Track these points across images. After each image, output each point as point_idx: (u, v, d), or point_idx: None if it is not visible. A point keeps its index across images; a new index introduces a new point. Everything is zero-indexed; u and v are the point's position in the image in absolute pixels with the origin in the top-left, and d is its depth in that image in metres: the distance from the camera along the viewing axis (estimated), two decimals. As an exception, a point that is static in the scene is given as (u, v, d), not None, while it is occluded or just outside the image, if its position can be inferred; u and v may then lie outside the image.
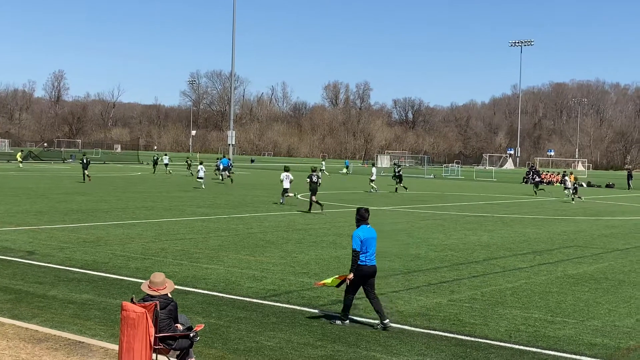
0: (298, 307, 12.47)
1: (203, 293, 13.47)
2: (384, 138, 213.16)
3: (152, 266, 16.07)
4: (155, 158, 73.50)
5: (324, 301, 13.05)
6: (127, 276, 14.90)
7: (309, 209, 31.19)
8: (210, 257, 17.69)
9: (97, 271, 15.38)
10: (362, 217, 11.61)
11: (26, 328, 10.54)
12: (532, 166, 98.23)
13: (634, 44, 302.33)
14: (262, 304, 12.68)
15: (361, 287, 11.60)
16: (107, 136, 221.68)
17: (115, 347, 9.13)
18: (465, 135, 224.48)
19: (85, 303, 12.33)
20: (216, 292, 13.62)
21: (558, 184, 68.89)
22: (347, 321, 11.50)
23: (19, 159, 76.37)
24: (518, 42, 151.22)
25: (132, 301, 8.27)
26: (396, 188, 49.80)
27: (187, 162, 68.93)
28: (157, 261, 16.93)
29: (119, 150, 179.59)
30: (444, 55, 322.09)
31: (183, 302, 12.04)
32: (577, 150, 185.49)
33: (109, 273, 15.21)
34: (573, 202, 44.84)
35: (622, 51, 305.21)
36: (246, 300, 12.92)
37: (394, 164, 50.79)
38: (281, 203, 34.57)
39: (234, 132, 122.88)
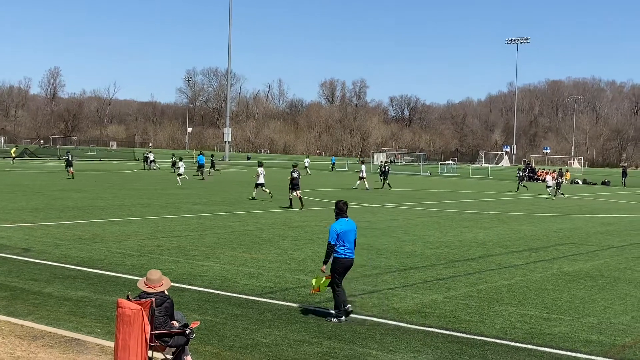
0: (294, 305, 12.48)
1: (199, 290, 13.47)
2: (380, 135, 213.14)
3: (148, 263, 16.05)
4: (145, 155, 74.72)
5: (320, 298, 13.05)
6: (123, 273, 14.89)
7: (301, 206, 31.22)
8: (206, 255, 17.69)
9: (93, 268, 15.36)
10: (340, 210, 11.84)
11: (22, 325, 10.52)
12: (528, 164, 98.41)
13: (630, 42, 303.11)
14: (258, 301, 12.68)
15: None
16: (103, 133, 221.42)
17: (111, 344, 9.12)
18: (461, 133, 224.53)
19: (81, 300, 12.32)
20: (212, 289, 13.61)
21: (541, 182, 69.00)
22: (343, 318, 11.50)
23: (13, 155, 76.38)
24: (514, 40, 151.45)
25: (128, 298, 8.26)
26: (382, 185, 50.13)
27: (172, 159, 68.99)
28: (153, 258, 16.92)
29: (114, 147, 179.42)
30: (440, 52, 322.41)
31: (179, 299, 12.04)
32: (573, 147, 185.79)
33: (105, 270, 15.19)
34: (554, 197, 45.11)
35: (618, 49, 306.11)
36: (242, 298, 12.92)
37: (381, 162, 51.23)
38: (253, 197, 35.11)
39: (230, 129, 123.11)
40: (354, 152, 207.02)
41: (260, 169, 35.45)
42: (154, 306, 8.23)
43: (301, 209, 30.79)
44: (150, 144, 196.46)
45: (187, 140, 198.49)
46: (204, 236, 21.16)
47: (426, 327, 11.27)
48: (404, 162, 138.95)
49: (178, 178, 48.13)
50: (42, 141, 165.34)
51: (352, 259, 11.74)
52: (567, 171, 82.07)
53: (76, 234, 20.69)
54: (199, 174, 57.00)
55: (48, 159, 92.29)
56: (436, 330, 11.09)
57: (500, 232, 24.75)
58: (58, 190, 37.37)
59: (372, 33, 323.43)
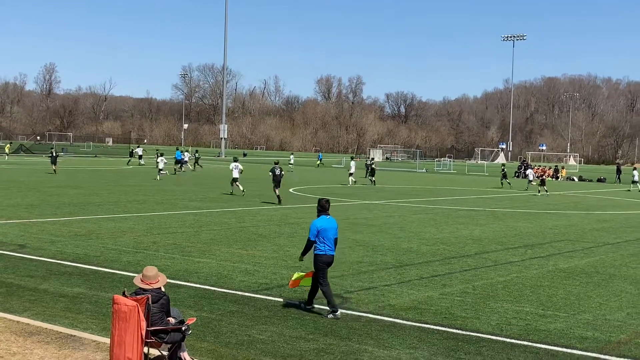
0: (290, 301, 12.47)
1: (195, 287, 13.46)
2: (377, 132, 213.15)
3: (144, 260, 16.05)
4: (132, 150, 75.75)
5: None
6: (119, 270, 14.88)
7: (279, 202, 31.39)
8: (202, 251, 17.68)
9: (88, 264, 15.34)
10: (322, 207, 11.99)
11: (17, 321, 10.51)
12: (524, 160, 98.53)
13: (626, 39, 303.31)
14: (254, 297, 12.68)
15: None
16: (99, 129, 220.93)
17: (107, 340, 9.12)
18: (457, 130, 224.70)
19: (76, 296, 12.31)
20: (208, 285, 13.61)
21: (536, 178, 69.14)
22: (338, 312, 11.53)
23: (7, 150, 76.32)
24: (510, 37, 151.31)
25: (124, 294, 8.26)
26: (371, 181, 50.47)
27: (192, 157, 69.09)
28: (149, 255, 16.91)
29: (110, 143, 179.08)
30: (436, 49, 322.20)
31: (175, 295, 12.04)
32: (568, 144, 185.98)
33: (101, 266, 15.18)
34: (539, 194, 45.29)
35: (614, 46, 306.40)
36: (238, 294, 12.92)
37: (367, 158, 52.14)
38: (231, 193, 35.60)
39: (226, 125, 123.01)
40: (350, 148, 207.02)
41: (233, 164, 36.10)
42: (150, 302, 8.23)
43: (279, 203, 31.09)
44: (145, 141, 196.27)
45: (183, 137, 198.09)
46: (200, 233, 21.15)
47: (422, 323, 11.28)
48: (400, 159, 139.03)
49: (158, 174, 48.58)
50: (38, 137, 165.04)
51: (332, 255, 11.84)
52: (562, 168, 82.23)
53: (72, 230, 20.66)
54: (179, 167, 57.81)
55: (44, 155, 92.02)
56: (432, 326, 11.11)
57: (496, 229, 24.78)
58: (53, 187, 37.32)
59: (368, 30, 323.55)
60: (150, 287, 8.44)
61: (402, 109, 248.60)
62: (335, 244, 11.94)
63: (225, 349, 9.57)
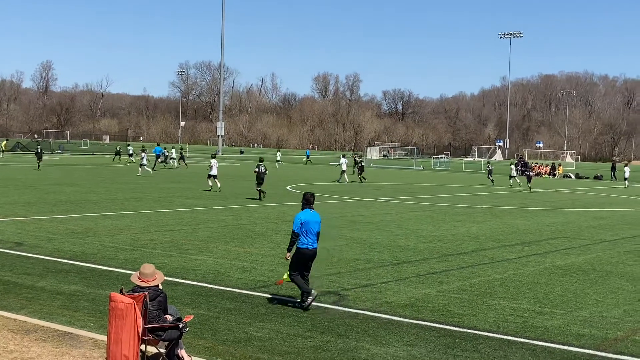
0: (287, 298, 12.48)
1: (192, 284, 13.46)
2: (374, 129, 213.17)
3: (141, 257, 16.04)
4: (118, 149, 77.76)
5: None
6: (116, 267, 14.87)
7: (259, 197, 32.09)
8: (199, 249, 17.67)
9: (85, 262, 15.33)
10: (307, 201, 12.12)
11: (14, 319, 10.50)
12: (521, 158, 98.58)
13: (623, 36, 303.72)
14: (251, 295, 12.68)
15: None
16: (96, 127, 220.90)
17: (104, 337, 9.11)
18: (454, 127, 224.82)
19: (73, 294, 12.30)
20: (205, 283, 13.61)
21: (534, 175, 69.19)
22: (313, 292, 11.77)
23: (3, 148, 76.27)
24: (507, 34, 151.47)
25: (121, 292, 8.25)
26: (360, 178, 51.04)
27: (168, 154, 69.10)
28: (146, 252, 16.89)
29: (107, 141, 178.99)
30: (433, 47, 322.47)
31: (172, 293, 12.04)
32: (565, 142, 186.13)
33: (98, 264, 15.17)
34: (530, 190, 45.59)
35: (610, 43, 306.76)
36: (235, 292, 12.92)
37: (355, 154, 53.12)
38: (216, 189, 36.00)
39: (223, 123, 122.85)
40: (347, 146, 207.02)
41: (213, 161, 36.64)
42: (147, 300, 8.23)
43: (261, 199, 31.89)
44: (142, 138, 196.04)
45: (180, 134, 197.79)
46: (197, 230, 21.14)
47: (419, 320, 11.29)
48: (397, 157, 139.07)
49: (140, 169, 49.19)
50: (36, 135, 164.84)
51: (315, 249, 12.02)
52: (559, 165, 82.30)
53: (69, 228, 20.64)
54: (161, 163, 59.06)
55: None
56: (429, 323, 11.12)
57: (493, 226, 24.80)
58: (50, 184, 37.27)
59: (365, 27, 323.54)
60: (148, 285, 8.44)
61: (399, 107, 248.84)
62: (318, 237, 12.09)
63: (223, 347, 9.57)
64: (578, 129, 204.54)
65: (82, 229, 20.42)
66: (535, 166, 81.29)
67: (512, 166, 54.14)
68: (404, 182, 52.84)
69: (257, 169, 32.77)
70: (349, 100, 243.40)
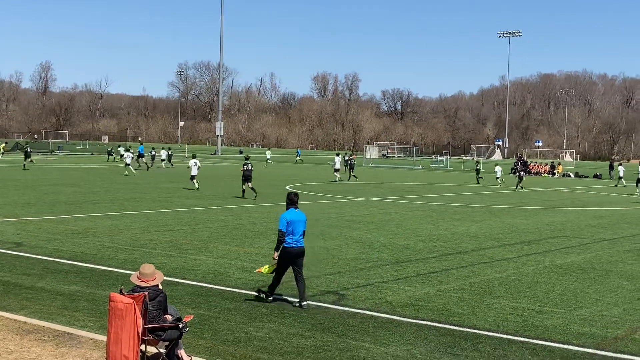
0: (287, 298, 12.48)
1: (192, 284, 13.47)
2: (373, 129, 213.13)
3: (141, 257, 16.04)
4: (109, 149, 78.89)
5: (313, 292, 13.06)
6: (115, 267, 14.88)
7: (243, 195, 32.70)
8: (199, 249, 17.68)
9: (85, 262, 15.34)
10: (291, 201, 12.31)
11: (14, 319, 10.51)
12: (520, 157, 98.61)
13: (622, 35, 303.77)
14: (251, 294, 12.67)
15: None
16: (95, 127, 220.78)
17: (104, 338, 9.11)
18: (453, 126, 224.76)
19: (73, 294, 12.30)
20: (205, 283, 13.62)
21: (534, 175, 69.19)
22: (271, 298, 12.07)
23: (2, 149, 76.26)
24: (506, 33, 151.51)
25: (121, 292, 8.25)
26: (349, 177, 51.46)
27: (155, 153, 69.15)
28: (145, 252, 16.90)
29: (106, 141, 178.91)
30: (432, 46, 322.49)
31: (172, 293, 12.04)
32: (564, 141, 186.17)
33: (98, 264, 15.18)
34: (523, 189, 45.85)
35: (609, 42, 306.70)
36: (235, 291, 12.93)
37: (345, 153, 54.07)
38: (197, 189, 36.33)
39: (222, 123, 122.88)
40: (346, 145, 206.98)
41: (192, 161, 37.20)
42: (147, 300, 8.23)
43: (255, 197, 32.28)
44: (140, 138, 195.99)
45: (179, 134, 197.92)
46: (196, 230, 21.15)
47: (419, 320, 11.29)
48: (396, 156, 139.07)
49: (126, 168, 49.59)
50: (36, 135, 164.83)
51: (301, 247, 12.14)
52: (559, 164, 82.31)
53: (68, 228, 20.65)
54: (146, 165, 59.18)
55: (40, 153, 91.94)
56: (429, 323, 11.12)
57: (492, 226, 24.81)
58: (50, 185, 37.27)
59: (364, 27, 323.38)
60: (147, 285, 8.44)
61: (399, 106, 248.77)
62: (304, 236, 12.26)
63: (223, 346, 9.57)
64: (577, 128, 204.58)
65: (82, 229, 20.42)
66: (532, 165, 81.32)
67: (497, 167, 54.60)
68: (403, 182, 52.84)
69: (243, 167, 33.37)
70: (348, 99, 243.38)
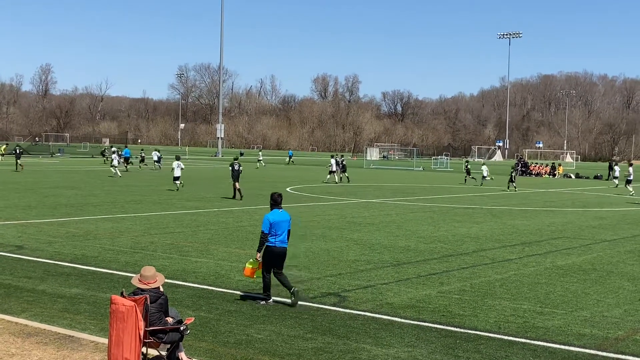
0: (288, 300, 12.47)
1: (193, 286, 13.47)
2: (373, 131, 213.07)
3: (142, 260, 16.04)
4: (102, 150, 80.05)
5: (314, 294, 13.07)
6: (116, 270, 14.88)
7: (234, 196, 33.09)
8: (200, 251, 17.68)
9: (86, 265, 15.34)
10: (275, 201, 12.45)
11: (16, 322, 10.51)
12: (521, 158, 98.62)
13: (622, 36, 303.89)
14: (252, 297, 12.67)
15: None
16: (96, 130, 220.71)
17: (106, 340, 9.11)
18: (454, 128, 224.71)
19: (74, 297, 12.31)
20: (206, 285, 13.62)
21: (534, 176, 69.13)
22: (271, 300, 12.14)
23: (2, 152, 76.37)
24: (506, 35, 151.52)
25: (122, 295, 8.25)
26: (341, 178, 51.80)
27: (145, 155, 69.20)
28: (146, 255, 16.90)
29: (107, 143, 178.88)
30: (432, 47, 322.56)
31: (173, 295, 12.04)
32: (565, 142, 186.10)
33: (99, 267, 15.18)
34: (509, 190, 46.15)
35: (609, 43, 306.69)
36: (236, 293, 12.93)
37: (340, 156, 54.65)
38: (177, 190, 36.91)
39: (222, 125, 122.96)
40: (347, 147, 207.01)
41: (175, 163, 37.69)
42: (148, 302, 8.23)
43: (240, 199, 32.53)
44: (140, 141, 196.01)
45: (179, 137, 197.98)
46: (197, 232, 21.15)
47: (420, 321, 11.29)
48: (397, 157, 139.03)
49: (112, 169, 50.15)
50: (37, 138, 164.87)
51: (284, 247, 12.29)
52: (559, 165, 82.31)
53: (69, 231, 20.65)
54: (125, 167, 59.14)
55: (40, 155, 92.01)
56: (430, 324, 11.12)
57: (493, 227, 24.80)
58: (50, 187, 37.28)
59: (364, 28, 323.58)
60: (149, 287, 8.44)
61: (399, 108, 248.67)
62: (288, 236, 12.43)
63: (224, 349, 9.58)
64: (578, 128, 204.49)
65: (83, 232, 20.42)
66: (533, 166, 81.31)
67: (484, 167, 54.96)
68: (403, 183, 52.84)
69: (232, 167, 33.85)
70: (349, 101, 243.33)
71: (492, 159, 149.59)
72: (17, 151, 56.45)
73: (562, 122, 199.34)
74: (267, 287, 12.26)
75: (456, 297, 13.16)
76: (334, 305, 12.25)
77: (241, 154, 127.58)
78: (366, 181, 54.22)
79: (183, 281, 13.87)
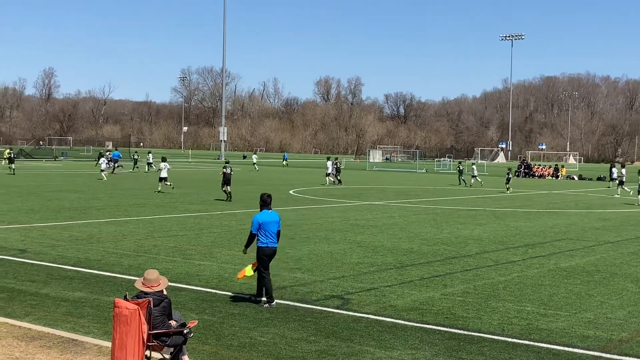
0: (291, 303, 12.48)
1: (196, 289, 13.47)
2: (376, 133, 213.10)
3: (145, 263, 16.05)
4: (100, 153, 78.04)
5: (317, 296, 13.07)
6: (120, 273, 14.89)
7: (228, 199, 33.71)
8: (203, 254, 17.69)
9: (89, 269, 15.35)
10: (264, 202, 12.64)
11: (19, 326, 10.52)
12: (524, 160, 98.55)
13: (624, 37, 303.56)
14: (255, 300, 12.66)
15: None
16: (99, 133, 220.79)
17: (109, 344, 9.12)
18: (456, 130, 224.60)
19: (78, 301, 12.31)
20: (209, 288, 13.62)
21: (537, 177, 69.03)
22: (274, 302, 12.23)
23: (6, 156, 76.54)
24: (508, 36, 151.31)
25: (125, 298, 8.26)
26: (338, 180, 52.22)
27: (139, 158, 69.13)
28: (150, 258, 16.91)
29: (110, 147, 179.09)
30: (435, 49, 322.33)
31: (176, 298, 12.04)
32: (568, 143, 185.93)
33: (102, 270, 15.19)
34: (508, 191, 46.24)
35: (612, 44, 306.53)
36: (239, 297, 12.92)
37: (334, 159, 55.10)
38: (159, 191, 37.66)
39: (225, 128, 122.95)
40: (349, 149, 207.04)
41: (163, 164, 38.62)
42: (152, 306, 8.24)
43: (227, 200, 33.52)
44: (142, 144, 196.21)
45: (182, 140, 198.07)
46: (200, 235, 21.16)
47: (423, 324, 11.28)
48: (399, 160, 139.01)
49: (103, 174, 50.48)
50: (41, 142, 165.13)
51: (274, 247, 12.47)
52: (562, 167, 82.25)
53: (72, 234, 20.67)
54: (112, 169, 59.73)
55: (44, 159, 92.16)
56: (433, 327, 11.11)
57: (496, 229, 24.78)
58: (54, 191, 37.32)
59: (366, 31, 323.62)
60: (152, 291, 8.45)
61: (402, 110, 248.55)
62: (278, 236, 12.55)
63: (227, 352, 9.58)
64: (580, 130, 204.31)
65: (86, 236, 20.44)
66: (536, 168, 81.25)
67: (474, 166, 55.31)
68: (406, 185, 52.82)
69: (223, 171, 34.47)
70: (351, 103, 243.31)
71: (495, 161, 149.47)
72: (12, 156, 57.65)
73: (564, 123, 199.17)
74: (269, 288, 12.35)
75: (459, 299, 13.15)
76: (337, 307, 12.25)
77: (244, 157, 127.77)
78: (369, 183, 54.19)
79: (186, 284, 13.87)
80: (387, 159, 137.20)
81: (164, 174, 38.18)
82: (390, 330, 10.88)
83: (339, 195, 39.73)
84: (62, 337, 10.00)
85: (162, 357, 8.63)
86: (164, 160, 39.49)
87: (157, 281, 8.53)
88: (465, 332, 10.83)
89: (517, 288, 14.32)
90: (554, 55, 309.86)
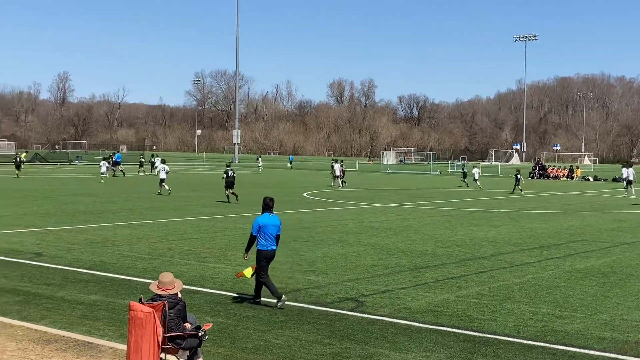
0: (306, 305, 12.48)
1: (211, 292, 13.50)
2: (390, 135, 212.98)
3: (160, 266, 16.10)
4: (107, 155, 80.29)
5: (331, 299, 13.06)
6: (135, 276, 14.94)
7: (228, 200, 34.18)
8: (217, 257, 17.72)
9: (105, 272, 15.42)
10: (266, 205, 12.87)
11: (35, 329, 10.58)
12: (538, 161, 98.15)
13: (639, 37, 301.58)
14: (270, 302, 12.68)
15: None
16: (113, 137, 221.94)
17: (124, 347, 9.15)
18: (470, 131, 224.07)
19: (93, 304, 12.37)
20: (224, 291, 13.65)
21: (552, 179, 68.71)
22: (283, 297, 12.34)
23: (23, 159, 77.10)
24: (522, 37, 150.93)
25: (140, 301, 8.28)
26: (342, 182, 52.56)
27: (144, 161, 69.41)
28: (164, 261, 16.96)
29: (125, 151, 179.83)
30: (448, 51, 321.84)
31: (191, 301, 12.07)
32: (583, 144, 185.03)
33: (117, 274, 15.25)
34: (515, 192, 46.17)
35: (627, 44, 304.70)
36: (251, 299, 12.92)
37: (336, 160, 55.37)
38: (159, 193, 38.22)
39: (239, 131, 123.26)
40: (363, 152, 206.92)
41: (162, 166, 39.30)
42: (167, 309, 8.25)
43: (229, 202, 34.03)
44: (155, 147, 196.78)
45: (196, 143, 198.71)
46: (215, 238, 21.21)
47: (438, 326, 11.25)
48: (413, 162, 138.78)
49: (102, 177, 51.18)
50: (57, 146, 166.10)
51: (273, 250, 12.69)
52: (577, 168, 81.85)
53: (88, 238, 20.77)
54: (113, 171, 60.41)
55: (59, 163, 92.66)
56: (448, 329, 11.08)
57: (511, 230, 24.69)
58: (69, 195, 37.52)
59: (379, 33, 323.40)
60: (167, 294, 8.47)
61: (415, 112, 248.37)
62: (277, 240, 12.73)
63: (242, 354, 9.59)
64: (595, 131, 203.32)
65: (101, 239, 20.53)
66: (551, 169, 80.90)
67: (474, 170, 55.29)
68: (420, 187, 52.73)
69: (226, 173, 34.67)
70: (365, 106, 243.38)
71: (510, 162, 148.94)
72: (17, 160, 58.10)
73: (579, 124, 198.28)
74: (273, 288, 12.40)
75: (474, 301, 13.11)
76: (351, 310, 12.24)
77: (258, 159, 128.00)
78: (383, 186, 54.14)
79: (201, 287, 13.91)
80: (401, 161, 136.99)
81: (162, 176, 38.62)
82: (405, 332, 10.86)
83: (353, 197, 39.72)
84: (78, 340, 10.04)
85: (177, 359, 8.64)
86: (163, 162, 40.03)
87: (171, 284, 8.55)
88: (480, 335, 10.80)
89: (532, 290, 14.26)
90: (568, 56, 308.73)
